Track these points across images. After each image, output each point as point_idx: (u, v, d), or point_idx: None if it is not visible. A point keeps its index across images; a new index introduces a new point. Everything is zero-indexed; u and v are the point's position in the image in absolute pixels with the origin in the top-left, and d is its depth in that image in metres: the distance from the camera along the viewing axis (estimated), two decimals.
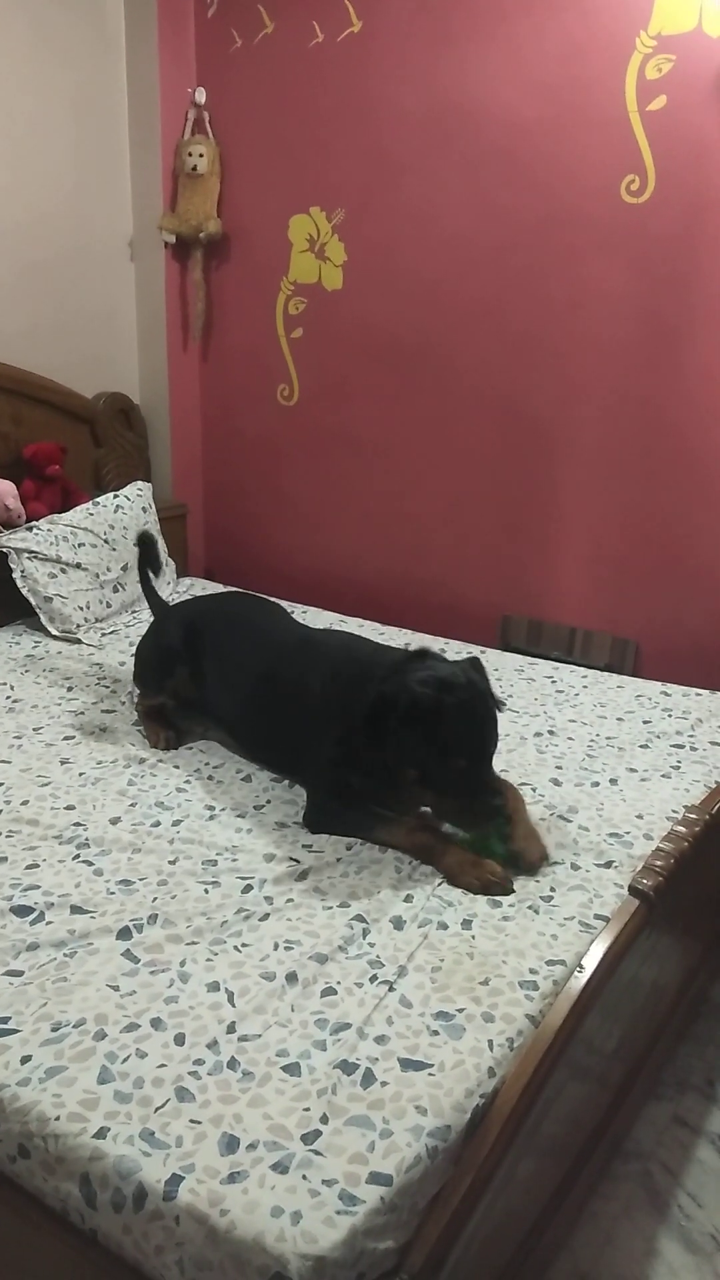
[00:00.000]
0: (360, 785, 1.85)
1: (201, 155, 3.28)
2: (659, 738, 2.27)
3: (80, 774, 2.02)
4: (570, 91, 2.70)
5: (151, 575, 2.58)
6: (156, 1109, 1.18)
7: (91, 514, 3.04)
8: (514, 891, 1.65)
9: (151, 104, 3.28)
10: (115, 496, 3.17)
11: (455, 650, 2.81)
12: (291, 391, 3.49)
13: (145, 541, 2.57)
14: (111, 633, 2.87)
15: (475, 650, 2.82)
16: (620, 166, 2.68)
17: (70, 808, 1.88)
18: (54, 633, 2.81)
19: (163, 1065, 1.25)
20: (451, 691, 1.71)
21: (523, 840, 1.73)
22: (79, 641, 2.79)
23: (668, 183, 2.63)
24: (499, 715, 1.80)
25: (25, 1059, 1.26)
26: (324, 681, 1.95)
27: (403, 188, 3.05)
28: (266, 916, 1.56)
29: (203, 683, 2.23)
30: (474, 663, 1.85)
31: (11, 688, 2.45)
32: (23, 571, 2.82)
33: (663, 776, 2.08)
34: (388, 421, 3.29)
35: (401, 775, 1.76)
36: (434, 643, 2.86)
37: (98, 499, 3.13)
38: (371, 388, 3.30)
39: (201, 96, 3.32)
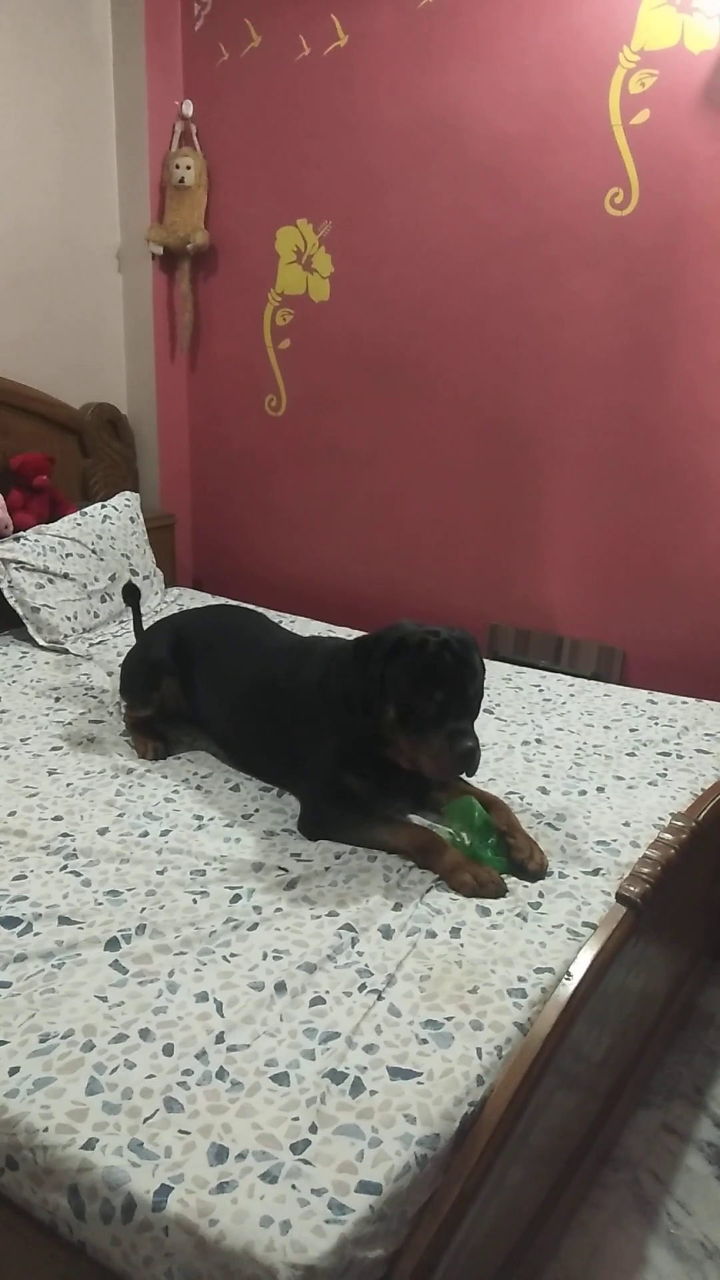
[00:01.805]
0: (357, 787, 1.86)
1: (189, 167, 3.30)
2: (646, 745, 2.28)
3: (68, 784, 2.02)
4: (554, 106, 2.73)
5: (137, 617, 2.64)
6: (145, 1119, 1.17)
7: (79, 524, 3.04)
8: (508, 892, 1.66)
9: (139, 116, 3.29)
10: (103, 507, 3.17)
11: None
12: (279, 402, 3.50)
13: (131, 593, 2.58)
14: (99, 643, 2.87)
15: None
16: (604, 180, 2.71)
17: (58, 818, 1.88)
18: (41, 643, 2.80)
19: (151, 1076, 1.24)
20: (436, 634, 1.80)
21: (524, 849, 1.73)
22: (66, 652, 2.79)
23: (651, 196, 2.66)
24: (484, 696, 1.86)
25: (13, 1070, 1.25)
26: (317, 684, 1.95)
27: (389, 200, 3.07)
28: (255, 926, 1.56)
29: (192, 693, 2.23)
30: (465, 631, 1.88)
31: None
32: (10, 582, 2.81)
33: (649, 784, 2.09)
34: (375, 432, 3.31)
35: (383, 717, 1.79)
36: None
37: (85, 509, 3.13)
38: (358, 399, 3.31)
39: (189, 109, 3.34)
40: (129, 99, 3.29)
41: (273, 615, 2.90)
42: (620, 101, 2.63)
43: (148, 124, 3.29)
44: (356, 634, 2.96)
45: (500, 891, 1.65)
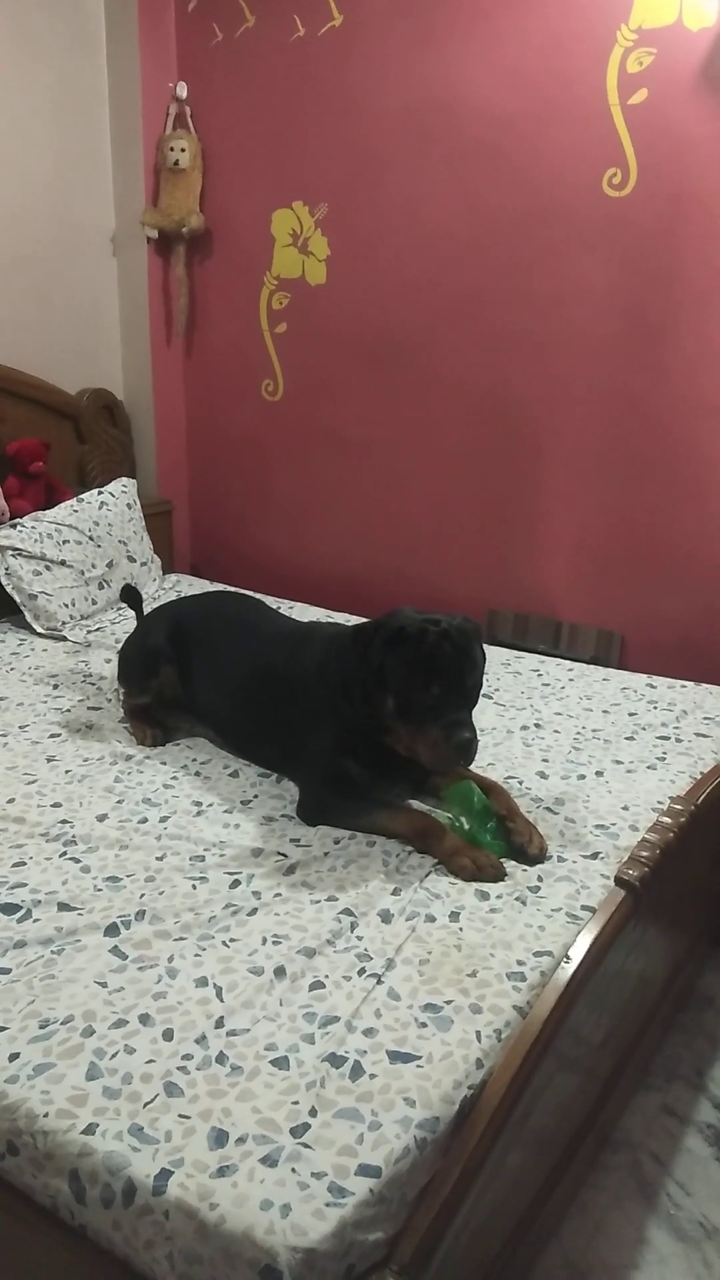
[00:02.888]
0: (357, 773, 1.86)
1: (183, 150, 3.27)
2: (644, 729, 2.28)
3: (67, 771, 2.01)
4: (552, 85, 2.70)
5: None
6: (145, 1104, 1.18)
7: (76, 511, 3.03)
8: (507, 876, 1.66)
9: (133, 99, 3.27)
10: (100, 493, 3.16)
11: None
12: (276, 387, 3.48)
13: (131, 595, 2.56)
14: (97, 630, 2.86)
15: None
16: (602, 160, 2.69)
17: (57, 805, 1.88)
18: (39, 630, 2.80)
19: (151, 1061, 1.24)
20: (436, 624, 1.78)
21: (523, 834, 1.74)
22: (64, 639, 2.78)
23: (649, 176, 2.64)
24: (483, 684, 1.85)
25: (13, 1056, 1.25)
26: (317, 669, 1.95)
27: (385, 182, 3.05)
28: (254, 911, 1.56)
29: (189, 680, 2.23)
30: (467, 618, 1.87)
31: None
32: (6, 569, 2.81)
33: (648, 768, 2.09)
34: (372, 416, 3.29)
35: (381, 705, 1.78)
36: None
37: (82, 496, 3.12)
38: (356, 383, 3.30)
39: (183, 91, 3.31)
40: (122, 81, 3.27)
41: (271, 601, 2.89)
42: (618, 80, 2.61)
43: (141, 106, 3.27)
44: (355, 620, 2.95)
45: (499, 875, 1.66)
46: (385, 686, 1.78)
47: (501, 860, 1.69)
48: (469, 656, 1.79)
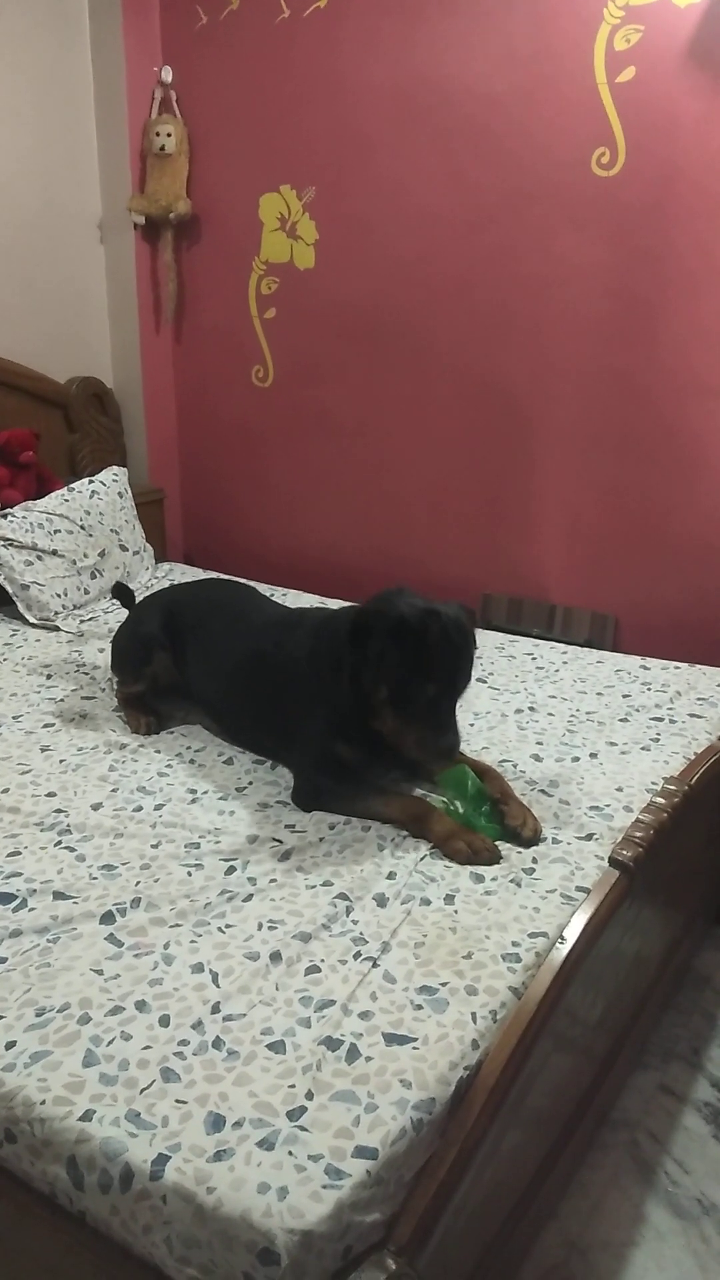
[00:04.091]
0: (348, 757, 1.86)
1: (169, 135, 3.25)
2: (638, 711, 2.28)
3: (61, 761, 2.01)
4: (539, 63, 2.68)
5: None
6: (142, 1090, 1.18)
7: (67, 500, 3.02)
8: (502, 859, 1.66)
9: (117, 84, 3.24)
10: (91, 482, 3.15)
11: None
12: (266, 373, 3.47)
13: (123, 593, 2.54)
14: (90, 619, 2.85)
15: None
16: (591, 139, 2.67)
17: (51, 794, 1.88)
18: (31, 620, 2.79)
19: (148, 1047, 1.25)
20: (437, 618, 1.75)
21: (517, 817, 1.74)
22: (57, 629, 2.78)
23: (638, 155, 2.62)
24: (475, 671, 1.84)
25: (10, 1044, 1.25)
26: (308, 655, 1.95)
27: (373, 164, 3.03)
28: (250, 897, 1.56)
29: (183, 668, 2.22)
30: (463, 606, 1.86)
31: None
32: None
33: (642, 749, 2.09)
34: (364, 401, 3.28)
35: (374, 691, 1.78)
36: None
37: (73, 485, 3.11)
38: (347, 367, 3.28)
39: (168, 75, 3.28)
40: (106, 66, 3.24)
41: (265, 589, 2.88)
42: (606, 58, 2.59)
43: (126, 91, 3.24)
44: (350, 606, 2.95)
45: (494, 858, 1.66)
46: (380, 676, 1.77)
47: (496, 843, 1.69)
48: (465, 656, 1.79)
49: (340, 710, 1.86)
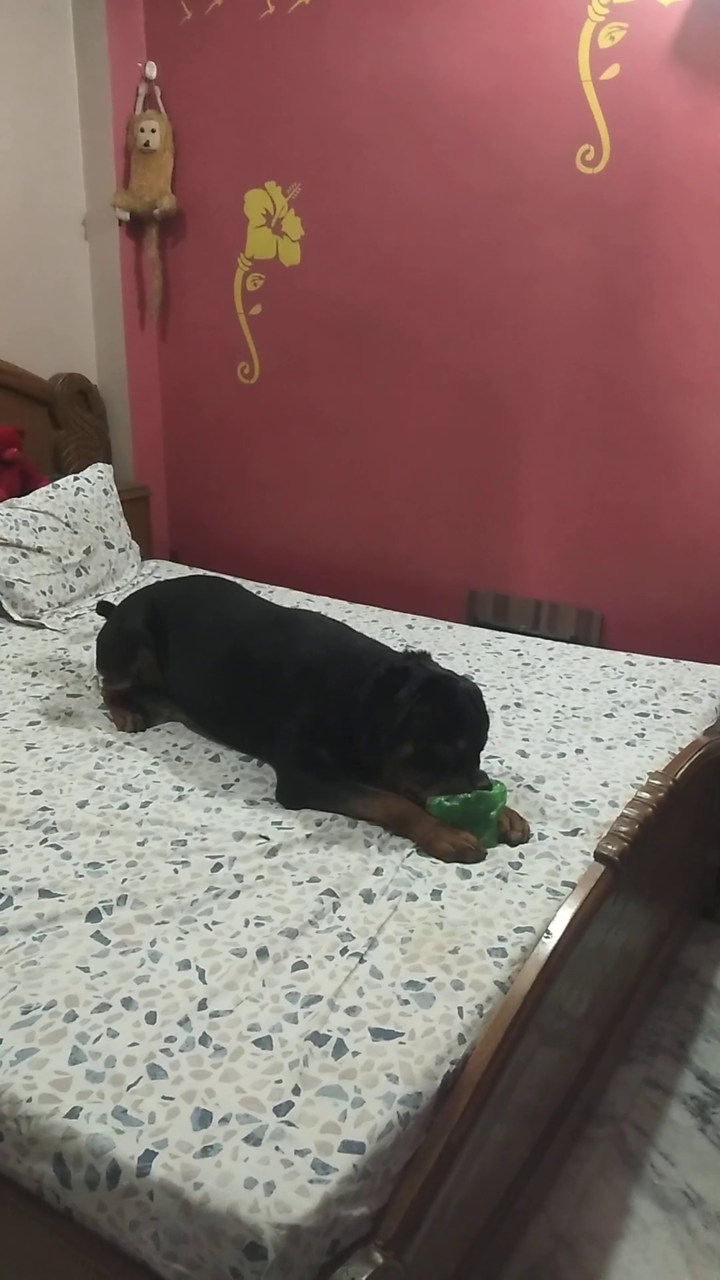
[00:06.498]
0: (328, 759, 1.86)
1: (154, 131, 3.24)
2: (624, 707, 2.29)
3: (46, 759, 2.01)
4: (524, 61, 2.69)
5: None
6: (128, 1087, 1.18)
7: (51, 497, 3.01)
8: (486, 857, 1.66)
9: (101, 80, 3.23)
10: (75, 479, 3.14)
11: (422, 626, 2.82)
12: (252, 369, 3.46)
13: (106, 608, 2.52)
14: (75, 617, 2.84)
15: (442, 625, 2.83)
16: (575, 137, 2.68)
17: (37, 792, 1.87)
18: (16, 618, 2.78)
19: (134, 1044, 1.24)
20: (461, 681, 1.84)
21: (506, 820, 1.74)
22: (42, 626, 2.77)
23: (622, 153, 2.63)
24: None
25: None
26: (306, 661, 1.95)
27: (358, 161, 3.03)
28: (237, 894, 1.56)
29: (166, 665, 2.22)
30: (467, 678, 1.91)
31: None
32: None
33: (628, 745, 2.10)
34: (349, 398, 3.28)
35: (398, 748, 1.78)
36: (401, 619, 2.86)
37: (57, 482, 3.10)
38: (332, 364, 3.28)
39: (152, 71, 3.27)
40: (90, 62, 3.22)
41: (251, 586, 2.88)
42: (590, 56, 2.60)
43: (110, 87, 3.23)
44: (337, 604, 2.96)
45: (479, 856, 1.66)
46: (407, 734, 1.77)
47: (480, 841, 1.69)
48: (485, 715, 1.84)
49: (319, 715, 1.87)
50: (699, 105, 2.50)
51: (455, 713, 1.78)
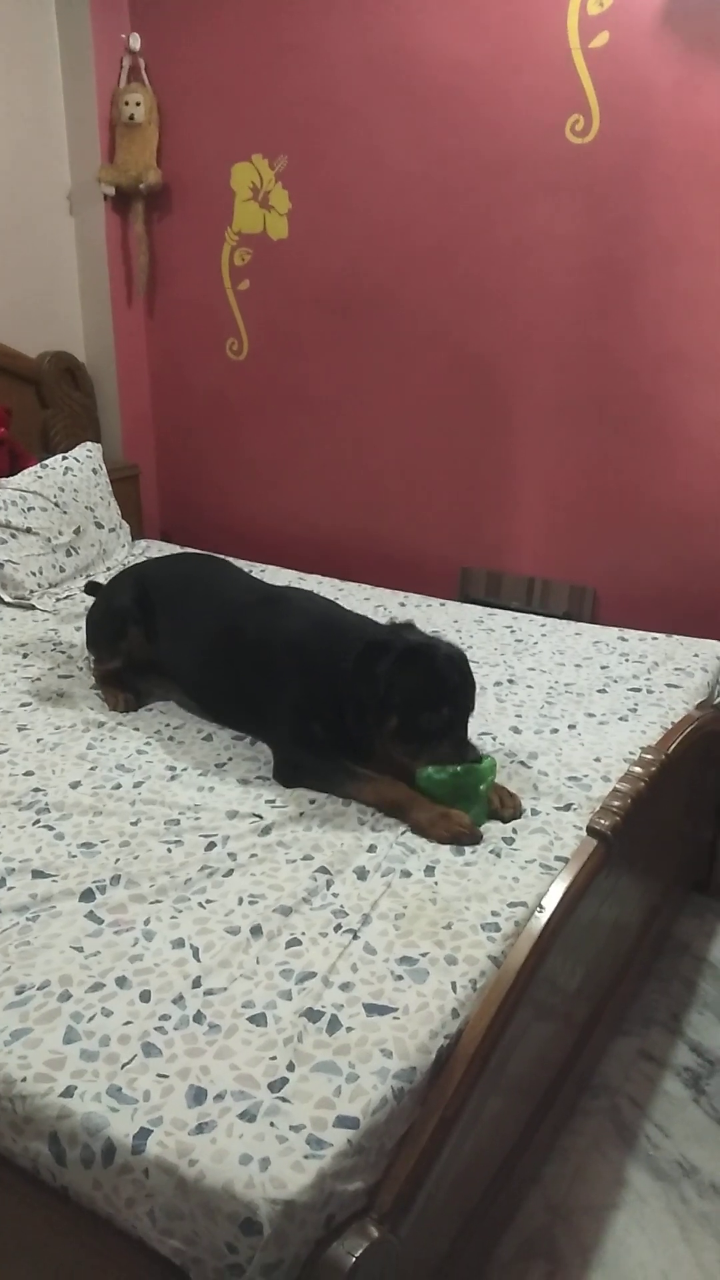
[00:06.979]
0: (322, 735, 1.85)
1: (139, 104, 3.20)
2: (616, 682, 2.28)
3: (38, 740, 2.00)
4: (512, 29, 2.65)
5: None
6: (123, 1065, 1.18)
7: (40, 477, 2.99)
8: (481, 840, 1.66)
9: (84, 52, 3.17)
10: (64, 458, 3.11)
11: (415, 604, 2.81)
12: (241, 346, 3.43)
13: (95, 588, 2.51)
14: (66, 597, 2.83)
15: (435, 603, 2.82)
16: (564, 106, 2.64)
17: (29, 773, 1.86)
18: (6, 599, 2.76)
19: (129, 1022, 1.25)
20: (442, 647, 1.82)
21: (497, 798, 1.74)
22: (33, 607, 2.75)
23: (612, 122, 2.60)
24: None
25: None
26: (296, 638, 1.94)
27: (346, 132, 2.99)
28: (230, 872, 1.56)
29: (156, 642, 2.21)
30: (451, 644, 1.89)
31: None
32: None
33: (620, 720, 2.10)
34: (340, 374, 3.26)
35: (384, 721, 1.77)
36: (393, 597, 2.86)
37: (46, 461, 3.07)
38: (322, 339, 3.25)
39: (136, 43, 3.22)
40: (73, 33, 3.17)
41: (242, 565, 2.86)
42: (579, 23, 2.56)
43: (94, 59, 3.17)
44: (329, 582, 2.95)
45: (475, 839, 1.65)
46: (390, 707, 1.77)
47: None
48: (470, 679, 1.82)
49: (318, 691, 1.86)
50: (689, 73, 2.47)
51: (437, 680, 1.76)
